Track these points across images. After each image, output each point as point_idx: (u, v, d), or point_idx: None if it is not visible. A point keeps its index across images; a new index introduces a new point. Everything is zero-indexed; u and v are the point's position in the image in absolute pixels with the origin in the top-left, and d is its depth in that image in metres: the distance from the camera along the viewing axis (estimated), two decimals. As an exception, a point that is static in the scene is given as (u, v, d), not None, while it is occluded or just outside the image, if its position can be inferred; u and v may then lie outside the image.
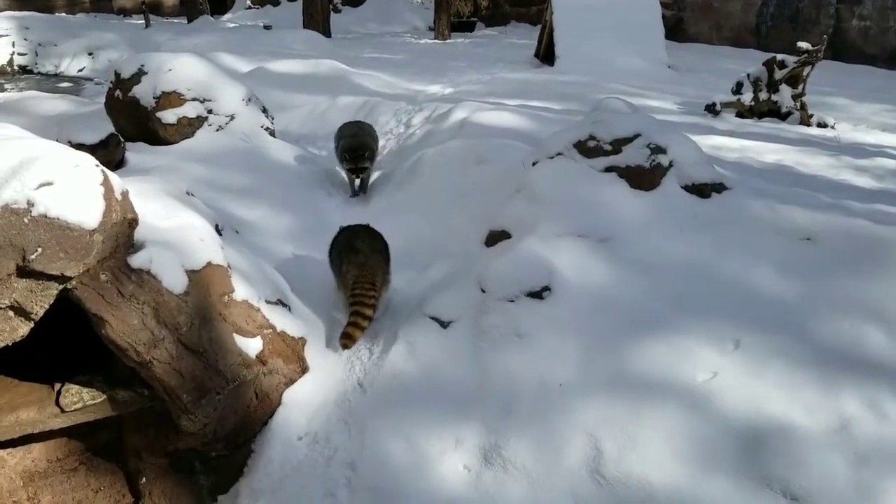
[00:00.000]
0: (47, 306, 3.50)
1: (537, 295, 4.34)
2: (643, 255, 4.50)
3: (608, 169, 5.14)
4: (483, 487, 3.55)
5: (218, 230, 4.67)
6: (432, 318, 4.58)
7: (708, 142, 7.48)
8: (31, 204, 3.25)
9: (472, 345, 4.24)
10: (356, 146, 6.70)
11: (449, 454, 3.73)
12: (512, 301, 4.36)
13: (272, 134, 7.87)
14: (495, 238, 5.10)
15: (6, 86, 17.08)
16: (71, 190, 3.37)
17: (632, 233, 4.68)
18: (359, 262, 4.60)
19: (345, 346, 4.44)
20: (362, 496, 3.64)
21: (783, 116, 9.96)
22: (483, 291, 4.53)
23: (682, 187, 5.08)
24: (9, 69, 19.50)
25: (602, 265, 4.45)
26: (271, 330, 4.42)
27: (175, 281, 3.89)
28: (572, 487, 3.37)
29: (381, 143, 8.30)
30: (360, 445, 3.90)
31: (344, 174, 7.09)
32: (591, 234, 4.69)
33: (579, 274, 4.38)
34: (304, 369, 4.54)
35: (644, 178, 5.08)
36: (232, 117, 7.46)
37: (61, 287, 3.50)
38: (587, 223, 4.75)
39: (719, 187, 5.14)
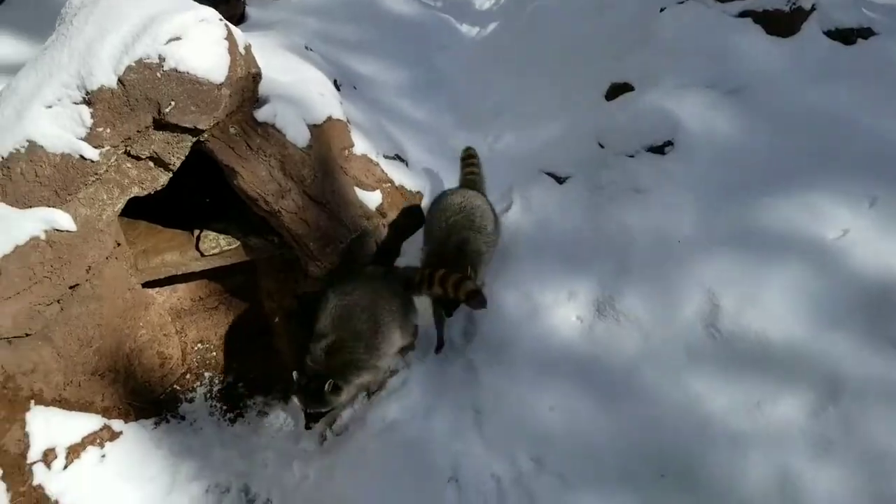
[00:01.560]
0: (183, 157, 3.71)
1: (658, 149, 4.19)
2: (776, 107, 4.21)
3: (743, 14, 4.75)
4: (595, 338, 3.63)
5: (336, 85, 4.72)
6: (548, 174, 4.55)
7: (859, -19, 6.72)
8: (162, 59, 3.37)
9: (589, 200, 4.20)
10: (449, 256, 3.81)
11: (562, 305, 3.80)
12: (631, 156, 4.24)
13: (386, -15, 7.69)
14: (616, 91, 4.89)
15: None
16: (198, 44, 3.46)
17: (765, 83, 4.37)
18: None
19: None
20: (478, 342, 3.81)
21: (952, -50, 8.78)
22: (601, 146, 4.42)
23: (824, 33, 4.65)
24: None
25: (730, 118, 4.21)
26: (390, 184, 4.53)
27: (298, 134, 4.00)
28: (686, 340, 3.39)
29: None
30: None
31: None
32: (720, 84, 4.41)
33: (705, 127, 4.18)
34: (421, 223, 4.66)
35: (782, 23, 4.67)
36: (346, -32, 7.32)
37: (194, 139, 3.68)
38: (717, 73, 4.46)
39: (866, 33, 4.66)
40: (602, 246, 3.93)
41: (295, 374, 3.53)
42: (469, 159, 4.47)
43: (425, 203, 4.74)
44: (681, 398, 3.25)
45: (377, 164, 4.49)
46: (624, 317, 3.60)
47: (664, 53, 4.71)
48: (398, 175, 4.63)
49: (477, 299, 3.58)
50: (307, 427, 3.59)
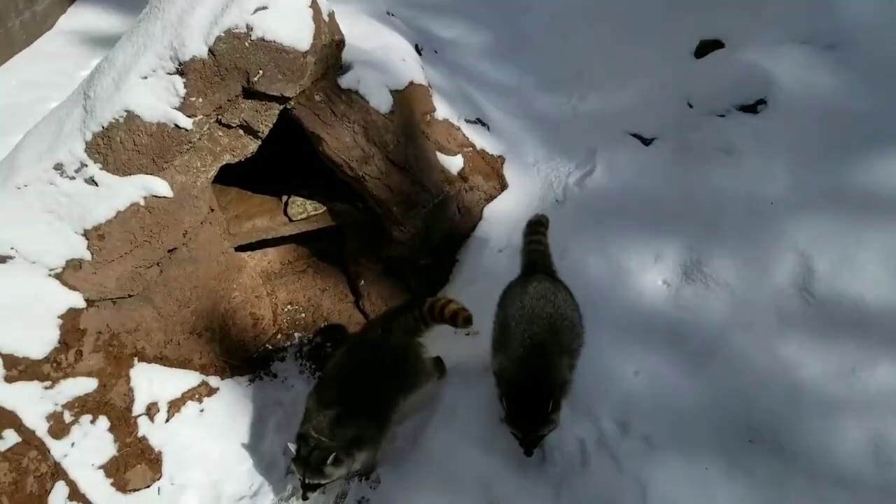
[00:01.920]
0: (271, 125, 3.81)
1: (751, 108, 4.04)
2: (877, 62, 3.97)
3: (843, -38, 4.48)
4: (682, 302, 3.56)
5: (418, 50, 4.73)
6: (634, 135, 4.45)
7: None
8: (250, 28, 3.45)
9: (676, 162, 4.10)
10: (534, 388, 3.06)
11: (648, 269, 3.74)
12: (722, 115, 4.10)
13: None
14: (706, 48, 4.72)
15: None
16: (284, 13, 3.53)
17: (866, 36, 4.11)
18: None
19: None
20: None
21: None
22: (690, 106, 4.29)
23: (933, -20, 4.35)
24: None
25: (827, 74, 4.00)
26: (471, 148, 4.53)
27: (381, 100, 4.04)
28: (778, 305, 3.29)
29: None
30: (558, 259, 3.99)
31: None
32: (816, 39, 4.19)
33: (800, 84, 3.99)
34: (503, 186, 4.65)
35: (886, -30, 4.38)
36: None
37: (281, 107, 3.77)
38: (813, 27, 4.24)
39: (982, -22, 4.33)
40: (690, 208, 3.84)
41: (290, 444, 3.32)
42: (537, 226, 3.72)
43: (506, 171, 4.71)
44: (771, 364, 3.17)
45: (459, 129, 4.50)
46: (713, 280, 3.52)
47: (757, 8, 4.51)
48: (479, 139, 4.62)
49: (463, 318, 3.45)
50: (304, 497, 3.35)
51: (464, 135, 4.51)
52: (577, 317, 3.33)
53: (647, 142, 4.35)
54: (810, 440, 2.93)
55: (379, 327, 3.66)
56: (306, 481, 3.26)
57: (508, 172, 4.71)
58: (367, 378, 3.45)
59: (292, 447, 3.28)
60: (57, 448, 3.51)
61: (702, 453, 3.08)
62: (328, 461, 3.19)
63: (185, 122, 3.56)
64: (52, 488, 3.45)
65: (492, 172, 4.63)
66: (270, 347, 4.49)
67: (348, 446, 3.29)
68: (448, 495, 3.30)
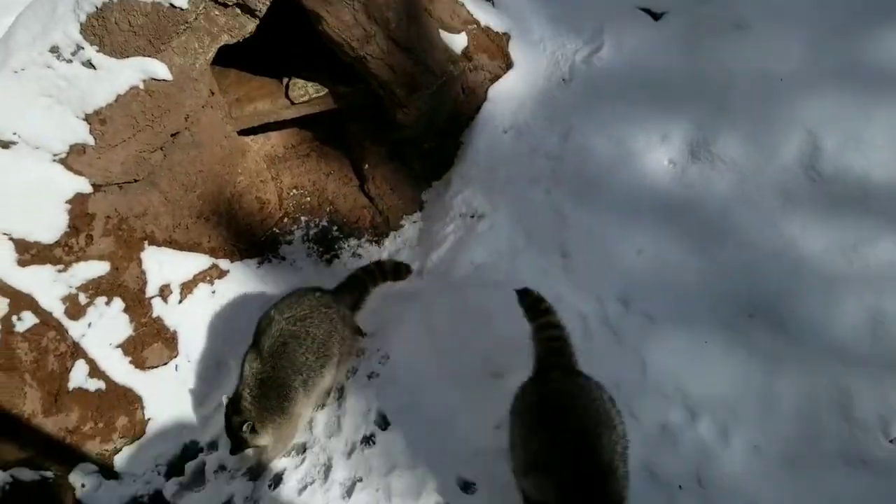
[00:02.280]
0: (268, 3, 3.69)
1: (764, -20, 3.89)
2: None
3: None
4: (688, 181, 3.56)
5: (418, -81, 4.51)
6: (643, 10, 4.30)
7: None
8: None
9: (686, 37, 3.97)
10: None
11: (654, 149, 3.72)
12: (734, -12, 3.95)
13: None
14: (720, -85, 4.48)
15: None
16: None
17: None
18: None
19: None
20: (567, 185, 3.79)
21: None
22: (701, -22, 4.13)
23: None
24: None
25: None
26: (476, 25, 4.40)
27: (382, -25, 3.90)
28: (783, 183, 3.28)
29: None
30: (563, 138, 3.98)
31: None
32: None
33: (817, -47, 3.82)
34: (508, 65, 4.54)
35: None
36: None
37: (280, -17, 3.65)
38: None
39: None
40: (699, 86, 3.76)
41: (225, 397, 3.33)
42: (539, 304, 3.02)
43: (512, 49, 4.57)
44: (774, 241, 3.20)
45: (462, 5, 4.35)
46: (719, 159, 3.50)
47: None
48: (484, 15, 4.47)
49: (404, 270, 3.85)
50: (231, 452, 3.36)
51: (468, 11, 4.37)
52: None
53: (656, 16, 4.21)
54: (810, 315, 3.00)
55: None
56: (231, 442, 3.30)
57: (514, 51, 4.57)
58: (312, 340, 3.39)
59: (225, 400, 3.31)
60: (74, 328, 3.62)
61: (702, 328, 3.16)
62: (244, 428, 3.20)
63: (181, 2, 3.46)
64: (72, 366, 3.59)
65: (497, 51, 4.50)
66: (277, 231, 4.53)
67: (264, 418, 3.25)
68: (452, 368, 3.42)
